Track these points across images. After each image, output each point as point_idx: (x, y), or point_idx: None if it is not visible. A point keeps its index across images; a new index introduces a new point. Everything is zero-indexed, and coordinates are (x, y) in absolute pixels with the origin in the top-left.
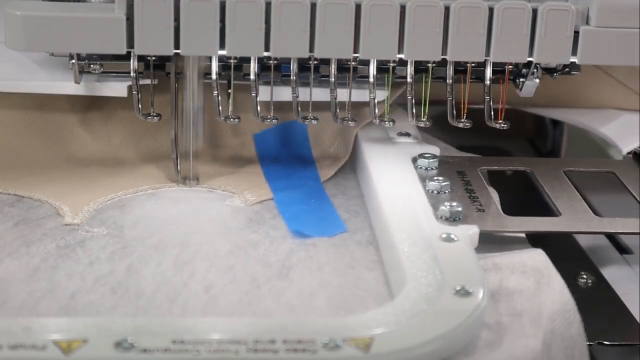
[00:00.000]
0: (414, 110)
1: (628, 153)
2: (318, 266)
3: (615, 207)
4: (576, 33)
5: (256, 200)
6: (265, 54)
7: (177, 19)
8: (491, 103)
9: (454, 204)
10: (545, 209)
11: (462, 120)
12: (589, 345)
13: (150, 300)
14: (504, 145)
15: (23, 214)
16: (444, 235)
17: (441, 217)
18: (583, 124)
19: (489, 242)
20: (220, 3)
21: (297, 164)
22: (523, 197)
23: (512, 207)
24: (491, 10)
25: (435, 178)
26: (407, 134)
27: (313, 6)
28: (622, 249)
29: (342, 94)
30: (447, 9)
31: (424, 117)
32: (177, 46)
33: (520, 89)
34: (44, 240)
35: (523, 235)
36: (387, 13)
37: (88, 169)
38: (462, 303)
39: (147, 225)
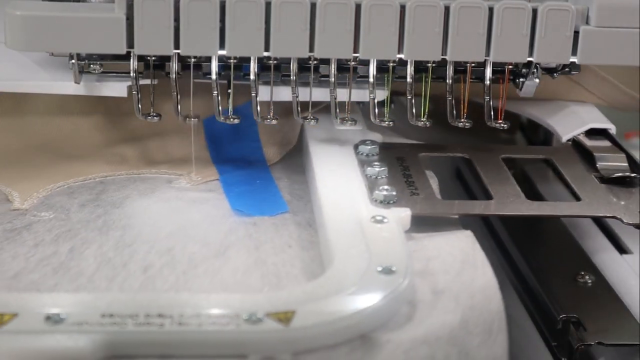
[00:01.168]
0: (414, 110)
1: (567, 140)
2: (256, 245)
3: (554, 193)
4: (576, 33)
5: (202, 180)
6: (265, 54)
7: (177, 19)
8: (491, 103)
9: (388, 187)
10: (484, 194)
11: (462, 120)
12: (589, 345)
13: (89, 279)
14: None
15: None
16: (377, 217)
17: (375, 201)
18: (533, 115)
19: (424, 224)
20: (220, 3)
21: (245, 147)
22: (464, 183)
23: (454, 194)
24: (491, 10)
25: (373, 163)
26: (354, 121)
27: (313, 6)
28: (622, 249)
29: (342, 94)
30: (447, 9)
31: (424, 117)
32: (177, 46)
33: (520, 89)
34: None
35: (456, 217)
36: (387, 13)
37: (41, 155)
38: (385, 280)
39: (92, 209)
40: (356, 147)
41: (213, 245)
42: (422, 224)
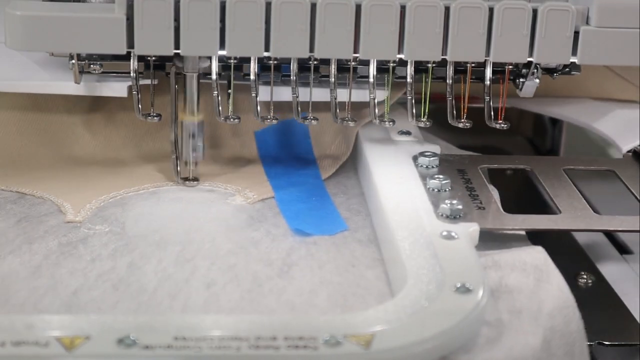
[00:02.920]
0: (414, 110)
1: (628, 151)
2: (319, 264)
3: (614, 205)
4: (576, 33)
5: (257, 198)
6: (265, 54)
7: (177, 19)
8: (491, 103)
9: (455, 201)
10: (545, 207)
11: (462, 120)
12: (589, 345)
13: (151, 296)
14: (503, 144)
15: (25, 211)
16: (444, 233)
17: (442, 215)
18: (581, 122)
19: (489, 240)
20: (220, 3)
21: (298, 162)
22: (523, 196)
23: (512, 206)
24: (491, 10)
25: (436, 176)
26: (408, 133)
27: (313, 6)
28: (622, 249)
29: (342, 94)
30: (447, 9)
31: (424, 117)
32: (177, 46)
33: (520, 89)
34: (46, 238)
35: (523, 233)
36: (387, 13)
37: (89, 168)
38: (463, 300)
39: (148, 222)
40: (415, 158)
41: (276, 264)
42: (487, 239)
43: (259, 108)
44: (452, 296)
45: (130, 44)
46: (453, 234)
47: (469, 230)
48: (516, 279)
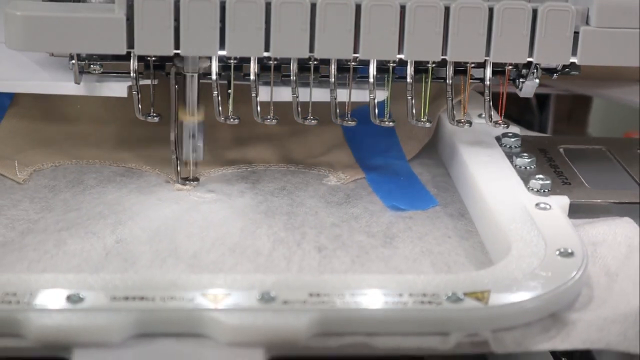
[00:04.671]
0: (414, 111)
1: None
2: (418, 236)
3: None
4: (576, 33)
5: (350, 179)
6: (265, 54)
7: (177, 19)
8: (491, 103)
9: (543, 176)
10: (626, 183)
11: (462, 120)
12: None
13: (268, 258)
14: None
15: (134, 182)
16: (541, 205)
17: (532, 190)
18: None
19: (576, 212)
20: (220, 3)
21: (384, 144)
22: (602, 173)
23: (594, 182)
24: (491, 10)
25: (522, 154)
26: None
27: (313, 6)
28: None
29: (342, 94)
30: (447, 9)
31: (424, 117)
32: (177, 46)
33: (520, 89)
34: (160, 205)
35: (608, 206)
36: (387, 13)
37: None
38: (567, 262)
39: (252, 196)
40: (499, 139)
41: (378, 235)
42: (573, 212)
43: (259, 108)
44: (556, 259)
45: (130, 44)
46: (546, 205)
47: (560, 202)
48: (609, 246)
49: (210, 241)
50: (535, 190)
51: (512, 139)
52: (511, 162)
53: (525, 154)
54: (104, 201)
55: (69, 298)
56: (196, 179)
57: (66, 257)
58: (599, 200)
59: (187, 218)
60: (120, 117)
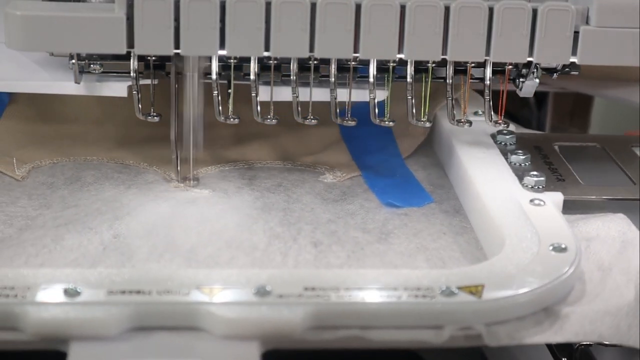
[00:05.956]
0: (413, 111)
1: None
2: (413, 232)
3: None
4: (576, 33)
5: (346, 176)
6: (265, 54)
7: (177, 19)
8: (491, 103)
9: (537, 173)
10: (619, 180)
11: (462, 120)
12: (589, 345)
13: (264, 253)
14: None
15: (132, 179)
16: (534, 200)
17: (526, 186)
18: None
19: (570, 209)
20: (220, 3)
21: (379, 142)
22: (595, 170)
23: (587, 179)
24: (491, 10)
25: (517, 152)
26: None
27: (313, 6)
28: None
29: (342, 94)
30: (447, 9)
31: (424, 117)
32: (177, 46)
33: (520, 89)
34: (157, 201)
35: (602, 203)
36: (387, 13)
37: None
38: (560, 257)
39: (249, 191)
40: (494, 136)
41: (374, 232)
42: (567, 209)
43: (259, 108)
44: (549, 253)
45: (130, 43)
46: (540, 201)
47: (554, 199)
48: (603, 242)
49: (207, 236)
50: (530, 186)
51: (508, 137)
52: (506, 159)
53: (520, 151)
54: (102, 198)
55: (66, 292)
56: (196, 179)
57: (64, 251)
58: (592, 197)
59: (183, 213)
60: (120, 117)
